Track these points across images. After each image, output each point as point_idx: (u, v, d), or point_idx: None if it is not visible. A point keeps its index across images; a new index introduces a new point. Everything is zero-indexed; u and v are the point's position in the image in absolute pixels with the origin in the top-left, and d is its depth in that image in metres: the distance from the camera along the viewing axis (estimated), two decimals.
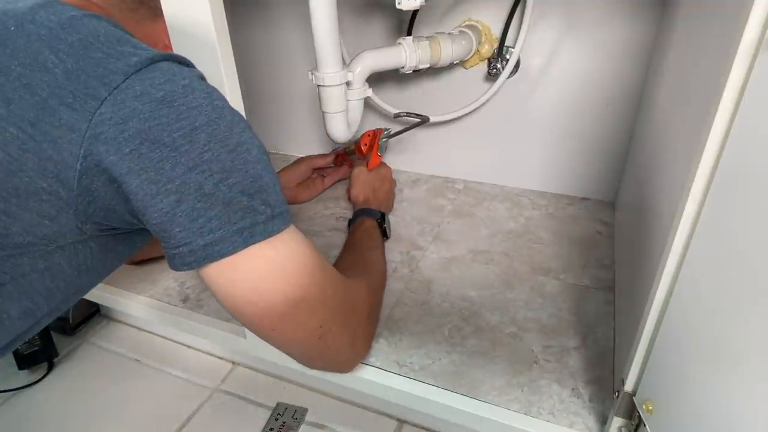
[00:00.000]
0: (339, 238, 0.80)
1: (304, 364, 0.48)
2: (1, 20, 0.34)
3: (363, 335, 0.51)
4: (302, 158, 0.93)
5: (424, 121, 0.83)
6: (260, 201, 0.38)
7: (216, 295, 0.40)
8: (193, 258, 0.36)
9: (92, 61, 0.33)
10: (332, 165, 0.97)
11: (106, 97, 0.33)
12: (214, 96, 0.37)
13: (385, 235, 0.75)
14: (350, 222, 0.76)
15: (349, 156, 0.94)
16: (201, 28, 0.41)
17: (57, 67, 0.33)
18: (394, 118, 0.84)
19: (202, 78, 0.38)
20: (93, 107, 0.32)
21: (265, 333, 0.43)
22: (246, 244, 0.37)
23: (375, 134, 0.84)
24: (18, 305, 0.37)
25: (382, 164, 0.86)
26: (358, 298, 0.51)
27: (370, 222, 0.73)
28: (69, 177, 0.33)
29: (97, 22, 0.36)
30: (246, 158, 0.37)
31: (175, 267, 0.37)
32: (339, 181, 0.98)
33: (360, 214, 0.75)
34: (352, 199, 0.82)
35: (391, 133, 0.85)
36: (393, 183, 0.88)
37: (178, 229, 0.35)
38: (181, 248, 0.36)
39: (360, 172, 0.83)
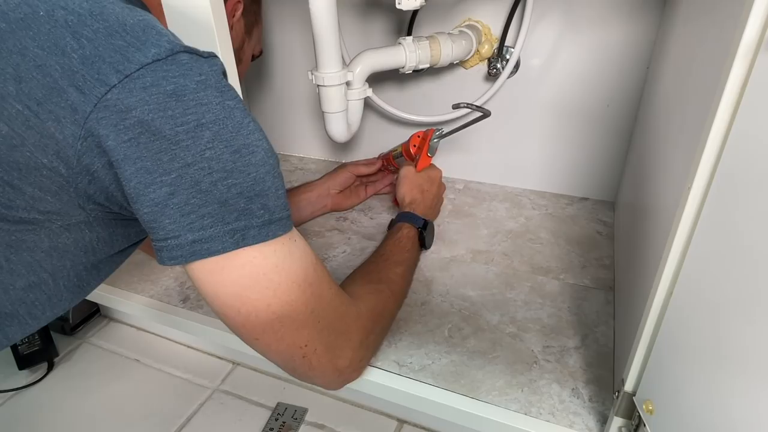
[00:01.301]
0: (338, 238, 0.80)
1: (289, 374, 0.47)
2: (33, 3, 0.34)
3: (353, 362, 0.48)
4: (345, 164, 0.88)
5: (486, 115, 0.73)
6: (259, 205, 0.37)
7: (202, 295, 0.40)
8: (180, 252, 0.36)
9: (111, 48, 0.33)
10: (376, 173, 0.91)
11: (115, 84, 0.33)
12: (228, 95, 0.37)
13: (423, 245, 0.71)
14: (392, 223, 0.72)
15: (396, 159, 0.88)
16: (202, 28, 0.41)
17: (75, 53, 0.33)
18: (453, 108, 0.77)
19: (224, 73, 0.38)
20: (101, 92, 0.33)
21: (248, 341, 0.42)
22: (237, 245, 0.36)
23: (426, 135, 0.79)
24: (24, 279, 0.38)
25: (432, 166, 0.81)
26: (356, 324, 0.48)
27: (410, 230, 0.68)
28: (69, 155, 0.34)
29: (128, 11, 0.36)
30: (249, 160, 0.37)
31: (161, 261, 0.37)
32: (381, 192, 0.93)
33: (402, 218, 0.70)
34: (398, 200, 0.77)
35: (444, 132, 0.78)
36: (442, 187, 0.83)
37: (167, 221, 0.35)
38: (169, 241, 0.36)
39: (408, 172, 0.78)
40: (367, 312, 0.50)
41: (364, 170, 0.87)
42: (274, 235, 0.38)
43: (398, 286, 0.61)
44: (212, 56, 0.37)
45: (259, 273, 0.38)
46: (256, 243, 0.37)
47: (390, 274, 0.60)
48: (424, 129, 0.81)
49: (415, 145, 0.81)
